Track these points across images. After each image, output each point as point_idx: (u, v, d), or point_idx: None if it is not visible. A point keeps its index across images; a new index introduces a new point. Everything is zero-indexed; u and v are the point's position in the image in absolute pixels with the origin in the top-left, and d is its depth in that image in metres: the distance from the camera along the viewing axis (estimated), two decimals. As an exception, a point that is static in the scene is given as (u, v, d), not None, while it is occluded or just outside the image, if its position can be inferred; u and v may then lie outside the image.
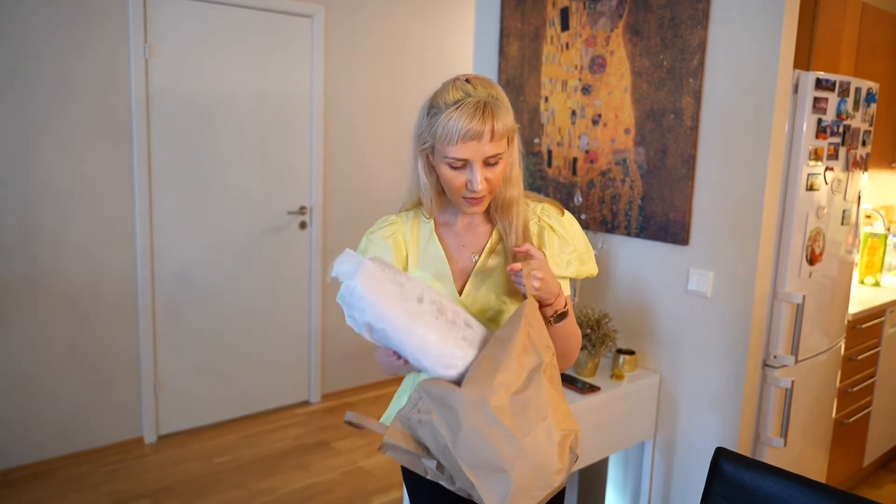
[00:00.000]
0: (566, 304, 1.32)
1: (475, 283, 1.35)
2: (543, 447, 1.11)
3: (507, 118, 1.24)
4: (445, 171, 1.26)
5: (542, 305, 1.27)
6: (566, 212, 1.42)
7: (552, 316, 1.30)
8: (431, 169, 1.31)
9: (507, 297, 1.35)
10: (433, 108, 1.25)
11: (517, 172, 1.32)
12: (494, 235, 1.37)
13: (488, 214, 1.38)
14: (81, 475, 3.04)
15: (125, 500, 2.86)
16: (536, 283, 1.22)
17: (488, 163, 1.24)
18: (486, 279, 1.35)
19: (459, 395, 1.12)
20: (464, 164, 1.23)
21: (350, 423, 1.22)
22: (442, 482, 1.18)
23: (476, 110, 1.20)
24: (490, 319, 1.35)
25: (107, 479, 3.01)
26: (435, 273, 1.34)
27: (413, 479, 1.45)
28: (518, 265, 1.22)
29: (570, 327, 1.35)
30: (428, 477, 1.19)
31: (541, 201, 1.41)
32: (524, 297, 1.23)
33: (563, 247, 1.37)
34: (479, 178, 1.23)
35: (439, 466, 1.16)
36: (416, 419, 1.15)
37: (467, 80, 1.25)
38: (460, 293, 1.35)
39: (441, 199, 1.36)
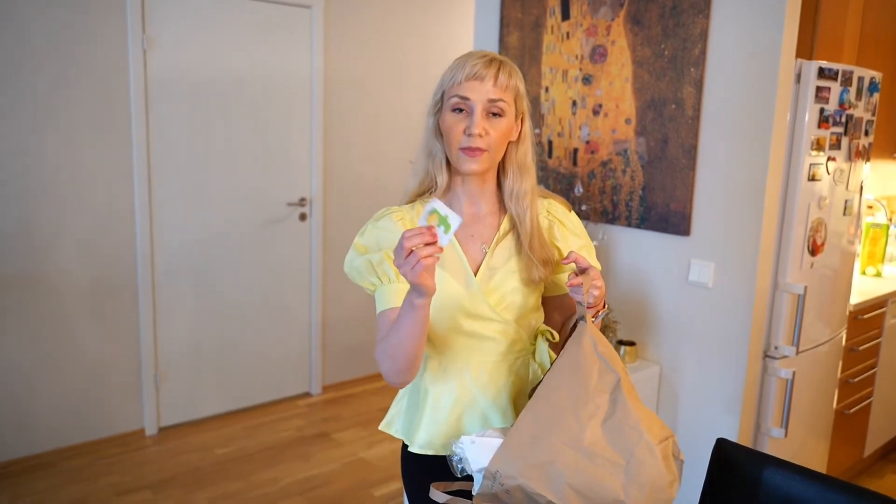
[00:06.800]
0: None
1: (488, 273, 1.33)
2: (649, 464, 1.08)
3: (516, 78, 1.28)
4: (448, 118, 1.26)
5: (588, 307, 1.26)
6: (571, 208, 1.43)
7: (594, 316, 1.28)
8: (440, 133, 1.31)
9: (523, 286, 1.33)
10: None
11: (530, 162, 1.32)
12: (505, 224, 1.36)
13: (496, 204, 1.37)
14: (82, 467, 3.05)
15: (126, 492, 2.86)
16: (596, 293, 1.21)
17: (491, 111, 1.24)
18: (499, 269, 1.33)
19: (550, 446, 1.07)
20: (466, 110, 1.24)
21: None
22: None
23: (484, 58, 1.25)
24: (506, 309, 1.32)
25: (108, 471, 3.02)
26: (449, 265, 1.31)
27: (411, 482, 1.45)
28: (579, 279, 1.19)
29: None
30: None
31: (547, 196, 1.41)
32: (578, 304, 1.20)
33: (574, 240, 1.38)
34: (478, 121, 1.23)
35: None
36: (501, 491, 1.08)
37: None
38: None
39: (447, 176, 1.33)
